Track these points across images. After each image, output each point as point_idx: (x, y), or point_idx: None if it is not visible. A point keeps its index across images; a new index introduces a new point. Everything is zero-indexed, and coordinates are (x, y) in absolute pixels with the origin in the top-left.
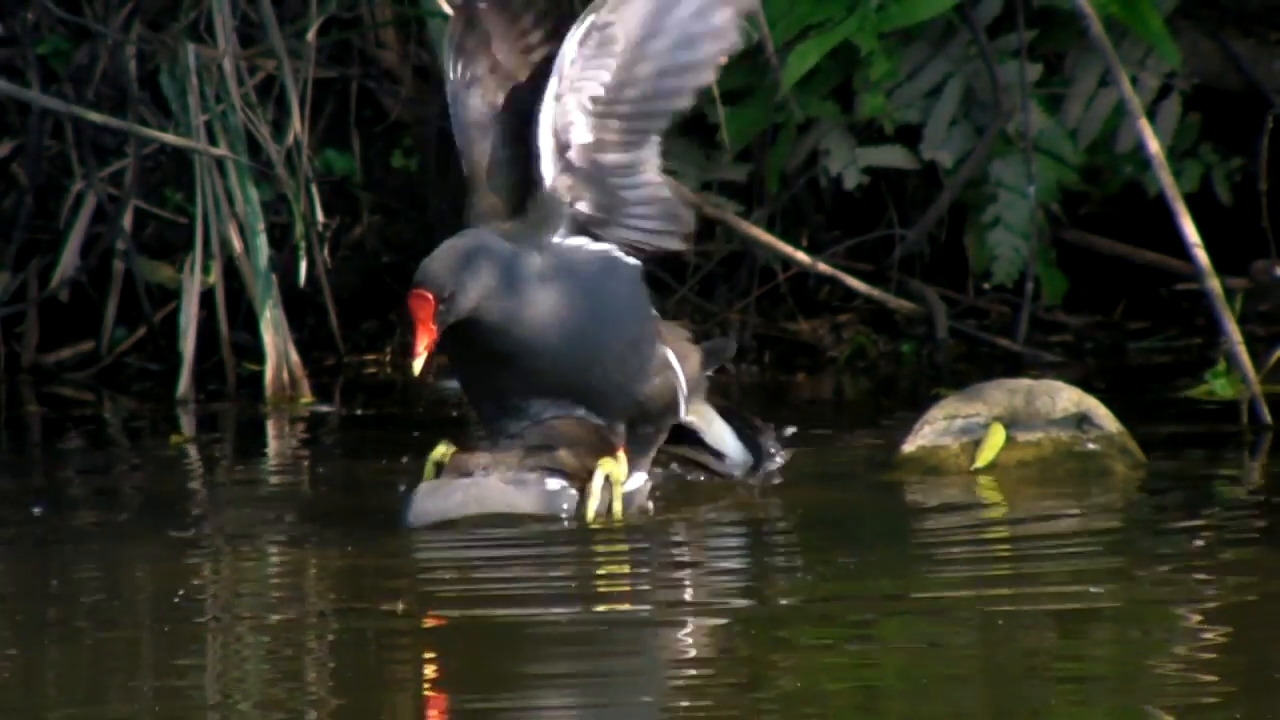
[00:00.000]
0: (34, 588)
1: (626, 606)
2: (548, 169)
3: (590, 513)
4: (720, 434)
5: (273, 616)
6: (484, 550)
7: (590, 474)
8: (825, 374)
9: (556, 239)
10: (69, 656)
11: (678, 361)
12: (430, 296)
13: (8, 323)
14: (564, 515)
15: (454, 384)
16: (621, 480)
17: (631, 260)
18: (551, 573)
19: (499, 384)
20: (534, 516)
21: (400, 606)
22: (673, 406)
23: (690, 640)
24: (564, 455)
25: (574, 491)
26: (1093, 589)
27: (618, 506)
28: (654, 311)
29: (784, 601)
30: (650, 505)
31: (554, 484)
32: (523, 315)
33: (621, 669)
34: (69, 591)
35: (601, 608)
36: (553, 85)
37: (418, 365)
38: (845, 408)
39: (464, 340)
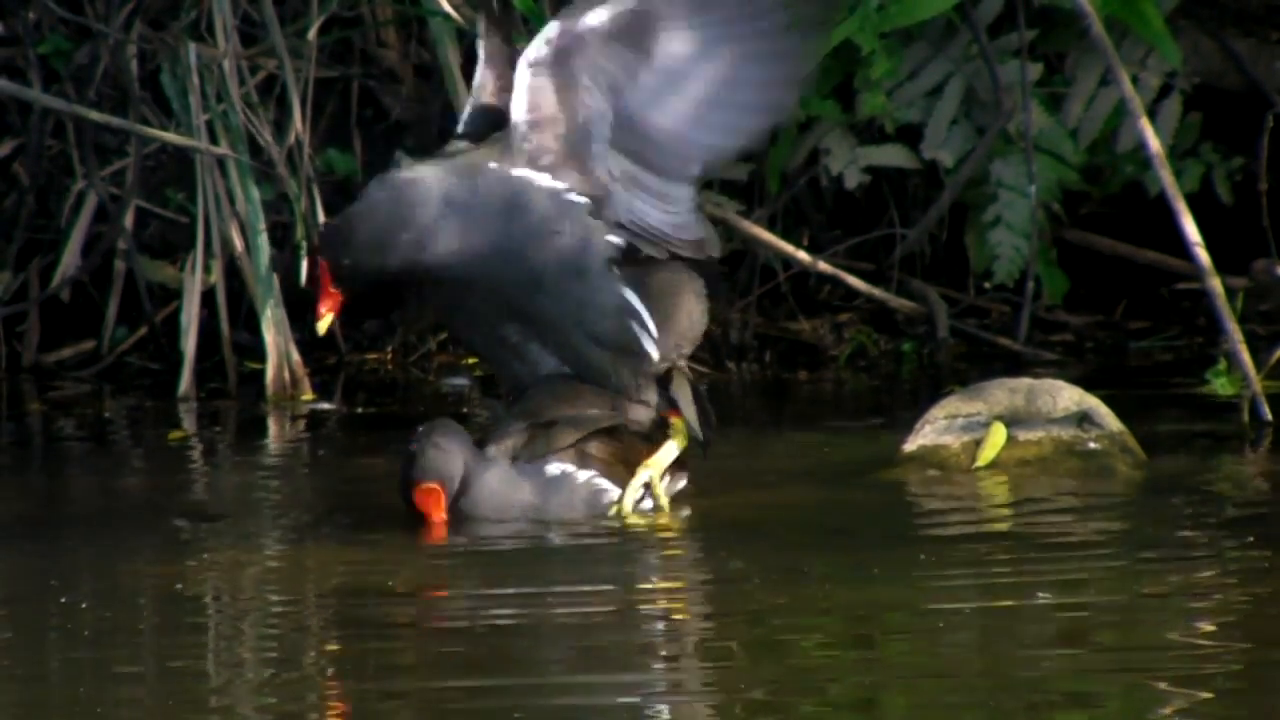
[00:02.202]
0: (30, 585)
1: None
2: (519, 107)
3: (628, 508)
4: (688, 414)
5: (271, 613)
6: (479, 546)
7: (594, 446)
8: (826, 373)
9: (494, 164)
10: (59, 656)
11: (648, 305)
12: (325, 263)
13: (9, 322)
14: (566, 508)
15: (456, 381)
16: (659, 477)
17: (572, 197)
18: (551, 580)
19: (478, 323)
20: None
21: (396, 610)
22: (630, 350)
23: (687, 652)
24: (559, 435)
25: (571, 471)
26: (1041, 595)
27: (663, 501)
28: (608, 249)
29: (783, 601)
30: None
31: (554, 469)
32: (435, 247)
33: (610, 671)
34: (64, 589)
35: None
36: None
37: (322, 326)
38: (846, 407)
39: (426, 292)
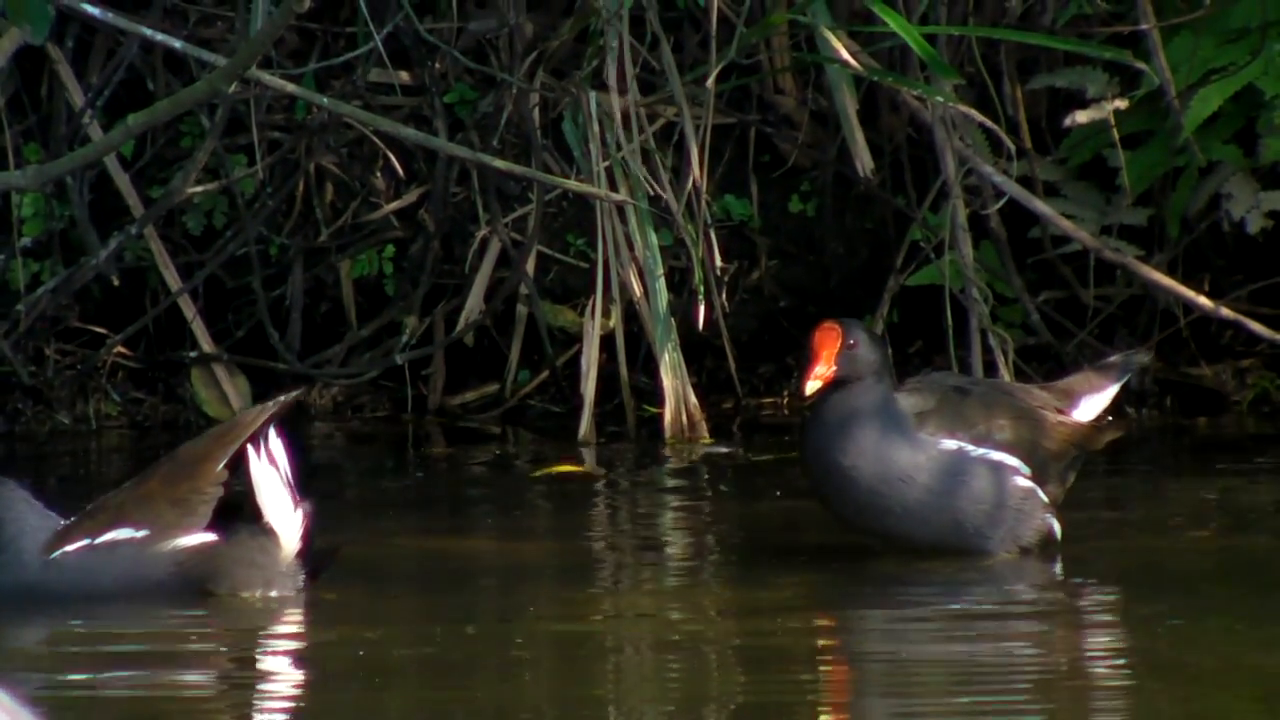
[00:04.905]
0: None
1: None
2: None
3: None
4: None
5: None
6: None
7: None
8: (1228, 419)
9: None
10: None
11: None
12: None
13: (415, 366)
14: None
15: None
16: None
17: None
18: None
19: None
20: None
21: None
22: None
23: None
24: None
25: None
26: None
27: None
28: None
29: (1197, 655)
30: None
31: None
32: None
33: None
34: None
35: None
36: None
37: (810, 388)
38: (1249, 453)
39: None
